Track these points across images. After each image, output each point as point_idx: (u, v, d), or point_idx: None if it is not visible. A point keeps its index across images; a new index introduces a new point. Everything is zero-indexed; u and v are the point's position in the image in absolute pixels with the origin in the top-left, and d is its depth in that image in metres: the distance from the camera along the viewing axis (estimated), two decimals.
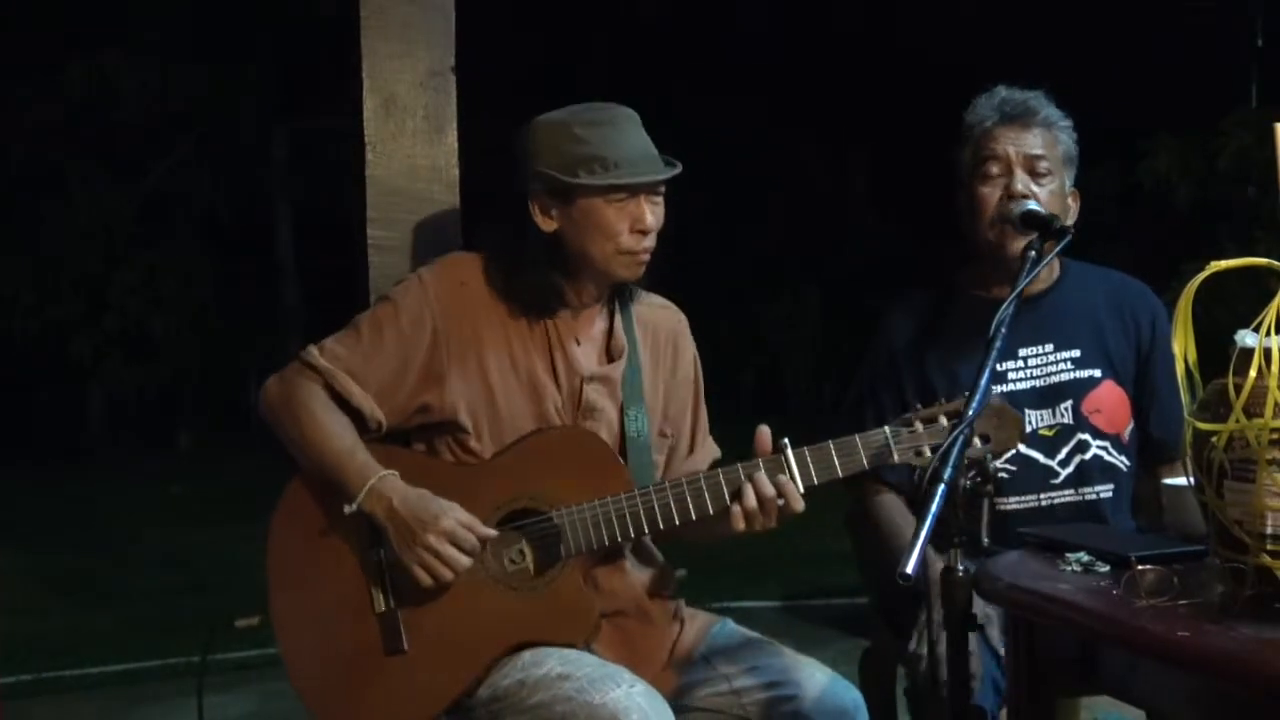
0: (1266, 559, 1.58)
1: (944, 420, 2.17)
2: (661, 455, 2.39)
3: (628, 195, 2.23)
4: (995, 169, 2.51)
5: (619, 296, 2.37)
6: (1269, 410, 1.56)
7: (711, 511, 2.19)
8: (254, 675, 4.93)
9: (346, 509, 2.16)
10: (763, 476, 2.16)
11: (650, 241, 2.27)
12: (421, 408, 2.26)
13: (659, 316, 2.43)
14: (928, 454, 2.17)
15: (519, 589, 2.22)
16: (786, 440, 2.18)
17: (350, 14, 2.59)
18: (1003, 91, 2.57)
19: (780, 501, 2.16)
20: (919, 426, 2.18)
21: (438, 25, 2.63)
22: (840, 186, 15.14)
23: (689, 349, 2.46)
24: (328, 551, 2.24)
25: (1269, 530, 1.58)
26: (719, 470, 2.21)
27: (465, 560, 2.15)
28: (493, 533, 2.18)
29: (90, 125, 12.22)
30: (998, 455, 2.20)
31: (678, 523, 2.20)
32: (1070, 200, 2.58)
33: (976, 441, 2.15)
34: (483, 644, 2.21)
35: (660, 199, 2.27)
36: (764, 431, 2.19)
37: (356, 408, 2.23)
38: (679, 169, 2.26)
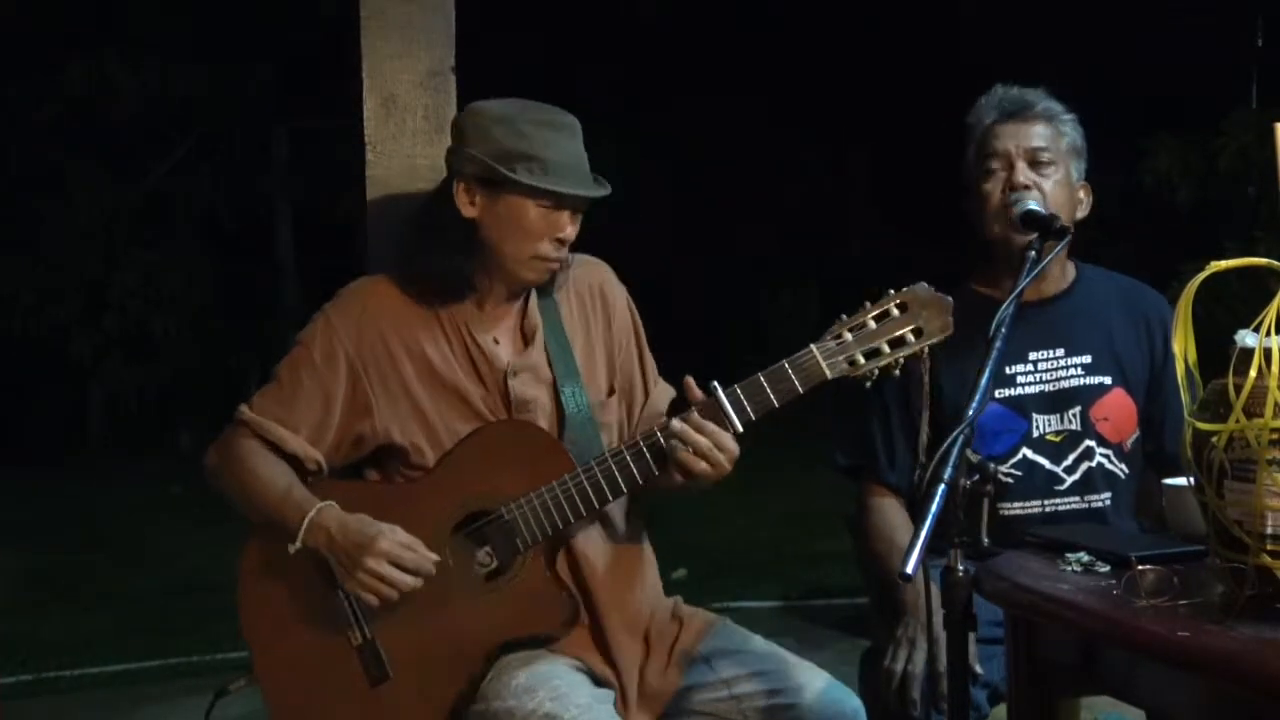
0: (1266, 559, 1.58)
1: (872, 324, 2.14)
2: (613, 416, 2.37)
3: (554, 204, 2.21)
4: (997, 165, 2.50)
5: None
6: (1269, 410, 1.56)
7: (656, 471, 2.18)
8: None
9: (291, 548, 2.17)
10: (697, 424, 2.13)
11: (564, 252, 2.26)
12: (356, 439, 2.27)
13: (579, 275, 2.39)
14: (861, 361, 2.14)
15: (488, 591, 2.22)
16: (715, 383, 2.15)
17: (350, 14, 2.60)
18: (1001, 90, 2.57)
19: (708, 441, 2.13)
20: (847, 335, 2.15)
21: (438, 25, 2.63)
22: (840, 185, 15.14)
23: (619, 295, 2.43)
24: (296, 600, 2.24)
25: (1269, 530, 1.58)
26: (655, 427, 2.19)
27: (408, 579, 2.15)
28: (433, 556, 2.17)
29: (90, 125, 12.21)
30: (935, 342, 2.15)
31: (625, 490, 2.19)
32: (1081, 193, 2.57)
33: (909, 336, 2.13)
34: (464, 653, 2.21)
35: (581, 215, 2.26)
36: (689, 381, 2.17)
37: (292, 454, 2.24)
38: (608, 191, 2.25)
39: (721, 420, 2.14)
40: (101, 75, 11.79)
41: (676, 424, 2.15)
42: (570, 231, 2.24)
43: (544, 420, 2.29)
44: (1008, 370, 2.52)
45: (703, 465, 2.14)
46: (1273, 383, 1.56)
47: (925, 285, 2.18)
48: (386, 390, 2.26)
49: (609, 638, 2.28)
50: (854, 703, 2.29)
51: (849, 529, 2.76)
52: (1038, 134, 2.51)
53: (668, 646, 2.34)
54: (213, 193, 13.05)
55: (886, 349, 2.14)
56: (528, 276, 2.27)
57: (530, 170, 2.19)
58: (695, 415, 2.14)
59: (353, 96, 2.60)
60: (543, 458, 2.22)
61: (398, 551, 2.14)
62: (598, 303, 2.40)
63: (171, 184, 13.01)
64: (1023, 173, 2.48)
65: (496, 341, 2.31)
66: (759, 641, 2.37)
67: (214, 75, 12.34)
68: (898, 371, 2.18)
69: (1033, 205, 2.42)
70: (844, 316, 2.17)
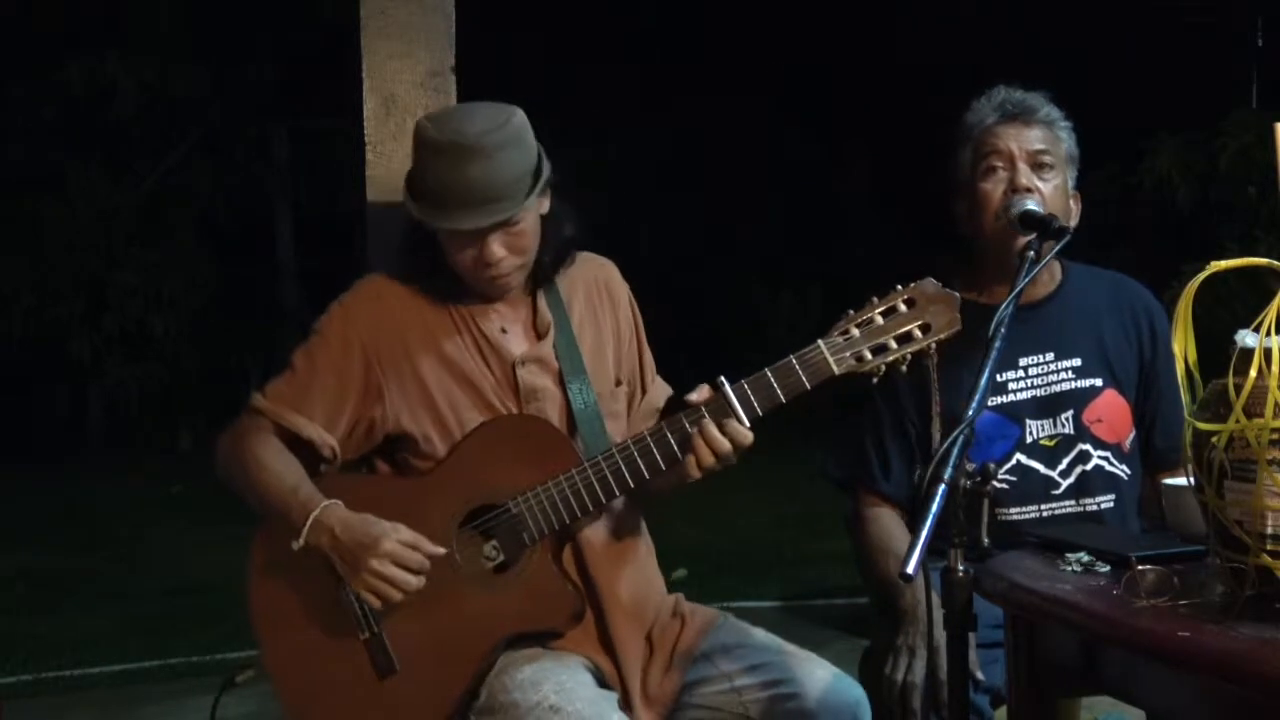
0: (1266, 559, 1.58)
1: (879, 320, 2.15)
2: (621, 405, 2.38)
3: (465, 235, 2.20)
4: (998, 164, 2.48)
5: (535, 279, 2.34)
6: (1269, 410, 1.56)
7: (664, 466, 2.19)
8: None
9: (294, 545, 2.17)
10: (707, 421, 2.15)
11: (507, 264, 2.23)
12: (369, 427, 2.28)
13: (585, 271, 2.41)
14: (868, 357, 2.15)
15: (495, 585, 2.22)
16: (723, 378, 2.16)
17: (350, 14, 2.60)
18: (1002, 91, 2.56)
19: (728, 443, 2.14)
20: (854, 331, 2.16)
21: (438, 25, 2.64)
22: (842, 185, 15.13)
23: (623, 292, 2.45)
24: (304, 593, 2.25)
25: (1269, 530, 1.58)
26: (663, 423, 2.20)
27: (412, 580, 2.14)
28: (439, 550, 2.17)
29: (90, 125, 12.21)
30: (943, 338, 2.17)
31: (632, 485, 2.20)
32: (1072, 201, 2.56)
33: (916, 332, 2.14)
34: (471, 646, 2.21)
35: (518, 224, 2.21)
36: (701, 387, 2.18)
37: (308, 440, 2.24)
38: (505, 216, 2.17)
39: (728, 415, 2.14)
40: (101, 75, 11.79)
41: (690, 417, 2.16)
42: (494, 252, 2.20)
43: (554, 413, 2.30)
44: (999, 377, 2.51)
45: (712, 458, 2.15)
46: (1273, 383, 1.56)
47: (932, 281, 2.18)
48: (399, 378, 2.27)
49: (613, 632, 2.28)
50: (856, 692, 2.28)
51: (847, 530, 2.76)
52: (1039, 138, 2.50)
53: (669, 647, 2.34)
54: (213, 193, 13.04)
55: (894, 345, 2.15)
56: (484, 290, 2.29)
57: (428, 201, 2.20)
58: (706, 411, 2.15)
59: (353, 96, 2.60)
60: (550, 452, 2.23)
61: (401, 551, 2.14)
62: (605, 299, 2.42)
63: (171, 184, 13.00)
64: (1025, 175, 2.46)
65: (504, 331, 2.32)
66: (760, 634, 2.38)
67: (214, 75, 12.34)
68: (904, 368, 2.17)
69: (1031, 205, 2.41)
70: (851, 312, 2.17)
